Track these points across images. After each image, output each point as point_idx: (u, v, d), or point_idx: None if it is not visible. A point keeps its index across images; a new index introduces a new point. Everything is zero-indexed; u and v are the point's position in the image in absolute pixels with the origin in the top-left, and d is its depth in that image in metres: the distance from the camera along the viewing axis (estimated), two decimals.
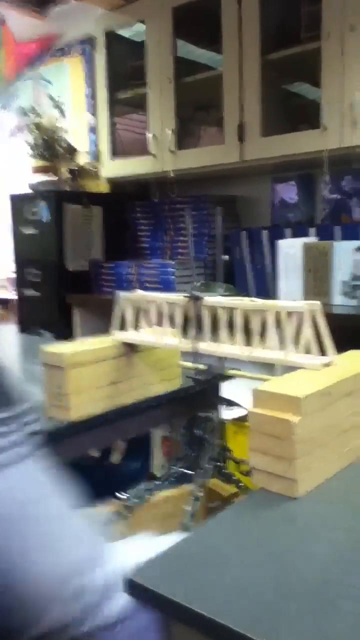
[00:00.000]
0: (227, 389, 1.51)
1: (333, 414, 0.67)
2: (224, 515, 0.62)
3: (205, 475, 0.92)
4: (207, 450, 0.93)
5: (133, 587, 0.51)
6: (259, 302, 0.80)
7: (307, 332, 0.75)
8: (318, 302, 0.75)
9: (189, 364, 1.08)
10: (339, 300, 1.72)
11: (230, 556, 0.54)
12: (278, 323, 0.79)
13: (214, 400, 1.07)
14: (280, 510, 0.61)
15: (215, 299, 0.86)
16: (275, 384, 0.67)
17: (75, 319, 2.39)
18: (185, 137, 2.12)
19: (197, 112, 2.16)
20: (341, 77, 1.62)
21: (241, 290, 2.02)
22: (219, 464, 1.02)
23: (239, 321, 0.82)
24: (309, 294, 1.77)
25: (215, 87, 1.91)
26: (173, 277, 2.12)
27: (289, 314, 0.77)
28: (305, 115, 1.84)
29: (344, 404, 0.69)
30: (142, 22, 2.14)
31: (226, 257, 2.11)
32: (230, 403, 1.78)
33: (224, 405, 1.71)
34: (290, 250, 1.82)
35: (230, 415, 1.75)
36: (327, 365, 0.74)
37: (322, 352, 0.77)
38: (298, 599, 0.47)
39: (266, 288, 1.97)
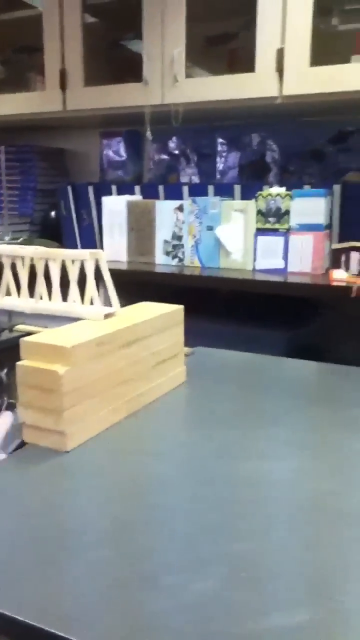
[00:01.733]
0: None
1: (109, 364, 0.66)
2: None
3: None
4: None
5: None
6: (42, 250, 0.75)
7: (91, 282, 0.73)
8: (101, 250, 0.73)
9: None
10: (162, 259, 1.74)
11: None
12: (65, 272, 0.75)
13: (6, 357, 1.01)
14: (46, 465, 0.59)
15: None
16: (47, 335, 0.64)
17: None
18: (5, 81, 1.97)
19: (17, 54, 2.01)
20: (161, 31, 1.59)
21: (68, 247, 1.96)
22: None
23: (21, 270, 0.77)
24: (132, 252, 1.76)
25: (36, 28, 1.78)
26: None
27: (73, 262, 0.74)
28: (130, 68, 1.79)
29: (122, 355, 0.68)
30: None
31: (52, 212, 2.02)
32: None
33: None
34: (115, 208, 1.79)
35: None
36: (109, 315, 0.72)
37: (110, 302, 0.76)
38: (37, 551, 0.45)
39: (93, 245, 1.93)
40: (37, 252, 0.75)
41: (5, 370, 0.88)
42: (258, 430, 0.68)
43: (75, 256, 0.73)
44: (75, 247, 1.98)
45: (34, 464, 0.59)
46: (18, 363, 0.62)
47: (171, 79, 1.62)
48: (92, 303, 0.74)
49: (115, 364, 0.67)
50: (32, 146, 2.06)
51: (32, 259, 0.77)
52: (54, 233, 2.01)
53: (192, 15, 1.59)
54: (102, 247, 1.89)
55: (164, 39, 1.60)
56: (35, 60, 2.00)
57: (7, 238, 0.82)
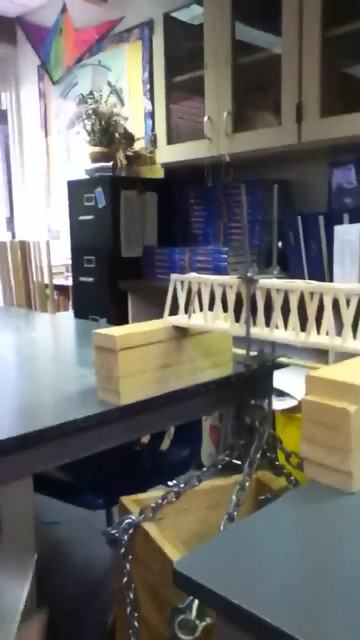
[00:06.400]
0: (278, 378, 1.47)
1: None
2: (273, 507, 0.60)
3: (253, 465, 0.89)
4: (257, 440, 0.90)
5: (180, 578, 0.49)
6: (314, 284, 0.76)
7: None
8: None
9: (240, 351, 1.05)
10: None
11: (275, 551, 0.51)
12: (334, 307, 0.75)
13: (265, 387, 1.04)
14: (332, 504, 0.58)
15: (269, 281, 0.83)
16: (330, 371, 0.64)
17: (129, 306, 2.40)
18: (240, 119, 2.07)
19: (253, 94, 2.10)
20: None
21: (295, 277, 1.97)
22: (269, 455, 0.99)
23: (293, 304, 0.79)
24: None
25: (272, 68, 1.85)
26: (226, 263, 2.09)
27: (347, 297, 0.73)
28: None
29: None
30: (199, 3, 2.10)
31: (279, 243, 2.05)
32: (281, 393, 1.75)
33: (275, 395, 1.67)
34: (347, 237, 1.75)
35: (280, 406, 1.72)
36: None
37: None
38: (338, 598, 0.45)
39: (321, 275, 1.91)
40: (310, 287, 0.76)
41: (267, 400, 0.90)
42: None
43: (350, 291, 0.72)
44: (302, 276, 1.98)
45: (318, 503, 0.59)
46: (304, 397, 0.63)
47: None
48: None
49: None
50: (260, 180, 2.13)
51: (302, 293, 0.78)
52: (280, 263, 2.04)
53: None
54: (331, 277, 1.86)
55: None
56: (266, 99, 2.07)
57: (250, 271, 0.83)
